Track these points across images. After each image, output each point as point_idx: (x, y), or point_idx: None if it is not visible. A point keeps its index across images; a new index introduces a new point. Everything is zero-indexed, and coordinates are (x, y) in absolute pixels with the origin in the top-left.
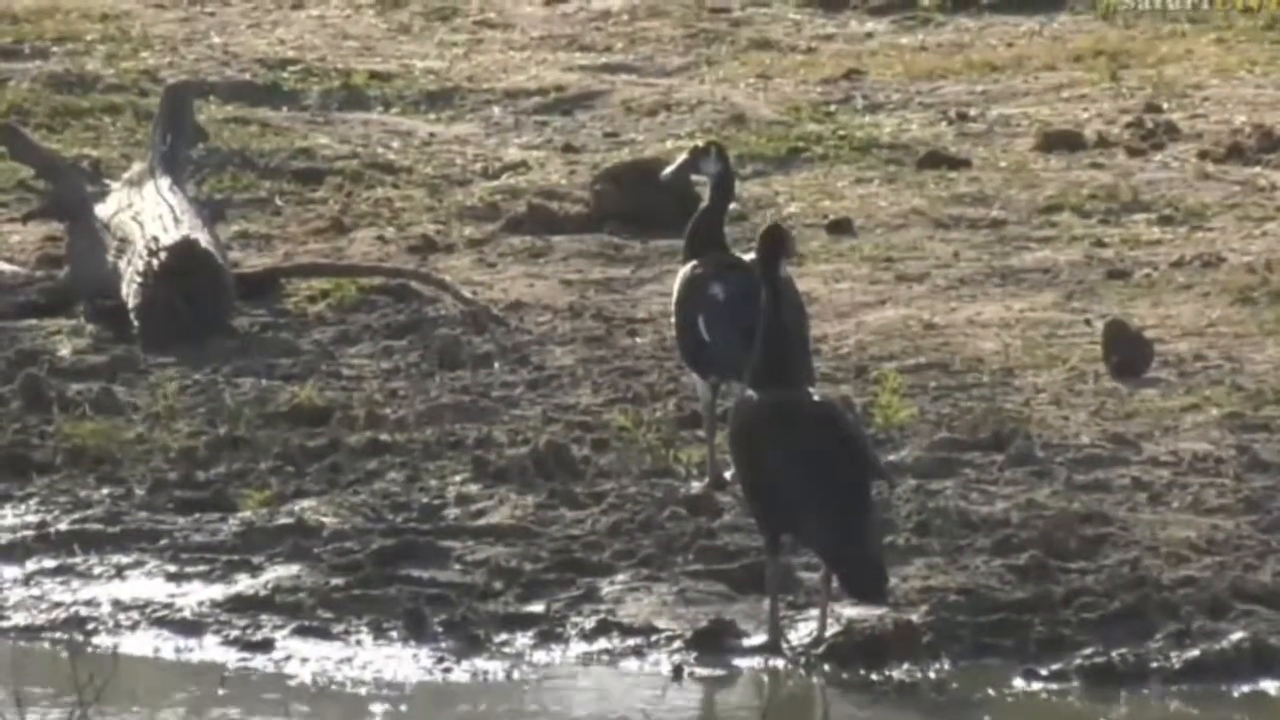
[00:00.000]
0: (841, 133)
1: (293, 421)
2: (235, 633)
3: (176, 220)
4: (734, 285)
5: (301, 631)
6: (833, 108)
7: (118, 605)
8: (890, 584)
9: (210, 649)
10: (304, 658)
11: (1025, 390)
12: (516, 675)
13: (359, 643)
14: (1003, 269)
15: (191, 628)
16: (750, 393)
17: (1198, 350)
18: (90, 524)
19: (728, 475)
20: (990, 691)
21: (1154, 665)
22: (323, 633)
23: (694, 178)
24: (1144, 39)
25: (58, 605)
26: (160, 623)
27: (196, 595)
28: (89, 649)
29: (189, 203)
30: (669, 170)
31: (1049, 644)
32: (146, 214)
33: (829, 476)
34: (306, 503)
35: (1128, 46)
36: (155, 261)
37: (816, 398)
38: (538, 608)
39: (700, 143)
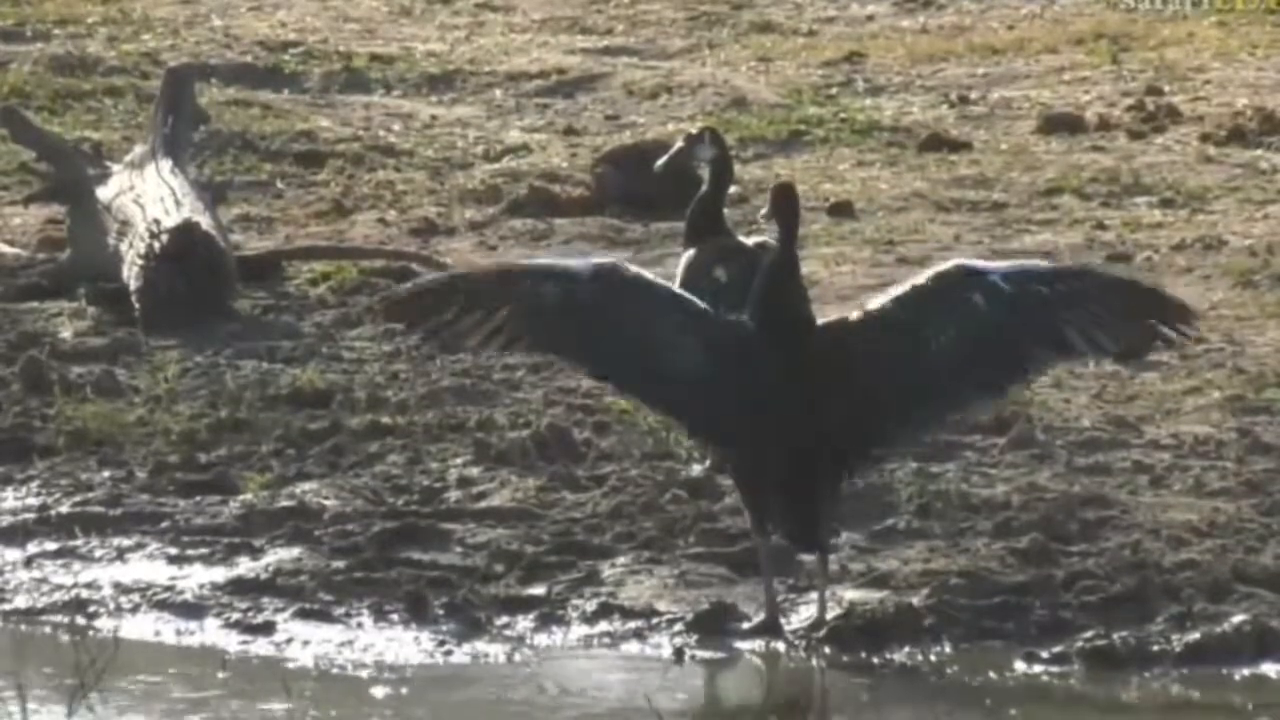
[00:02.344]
0: (843, 115)
1: (294, 404)
2: (236, 615)
3: (178, 203)
4: (737, 269)
5: (303, 614)
6: (834, 90)
7: (119, 588)
8: (829, 535)
9: (211, 631)
10: (305, 640)
11: None
12: (518, 658)
13: (360, 625)
14: (1004, 252)
15: (193, 610)
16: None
17: (1199, 333)
18: (91, 506)
19: None
20: (991, 674)
21: (1155, 648)
22: (324, 615)
23: (694, 162)
24: (1145, 21)
25: (59, 588)
26: (161, 605)
27: (198, 578)
28: (90, 632)
29: (190, 185)
30: (663, 160)
31: (1050, 627)
32: (148, 197)
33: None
34: (308, 485)
35: (1129, 29)
36: (157, 244)
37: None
38: (539, 590)
39: (695, 129)
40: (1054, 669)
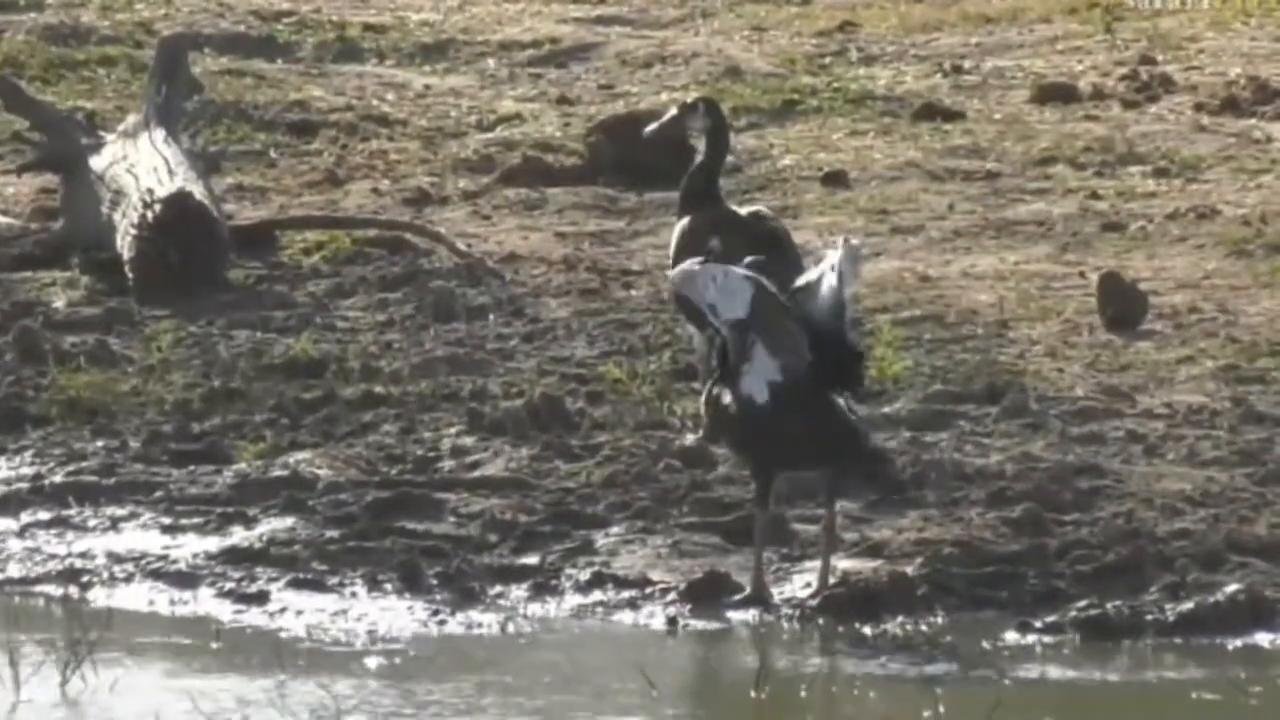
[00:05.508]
0: (836, 85)
1: (287, 374)
2: (230, 585)
3: (171, 172)
4: (731, 238)
5: (296, 584)
6: (828, 60)
7: (112, 557)
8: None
9: (205, 601)
10: (299, 610)
11: (1020, 343)
12: (511, 628)
13: (354, 595)
14: (997, 221)
15: (186, 580)
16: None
17: (1192, 302)
18: (85, 476)
19: None
20: (985, 644)
21: (1149, 618)
22: (317, 585)
23: (690, 132)
24: None
25: (52, 557)
26: (155, 575)
27: (191, 547)
28: (83, 601)
29: (184, 155)
30: (653, 126)
31: (1044, 596)
32: (141, 166)
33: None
34: (301, 455)
35: None
36: (150, 214)
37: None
38: (532, 560)
39: (690, 99)
40: (1047, 638)
